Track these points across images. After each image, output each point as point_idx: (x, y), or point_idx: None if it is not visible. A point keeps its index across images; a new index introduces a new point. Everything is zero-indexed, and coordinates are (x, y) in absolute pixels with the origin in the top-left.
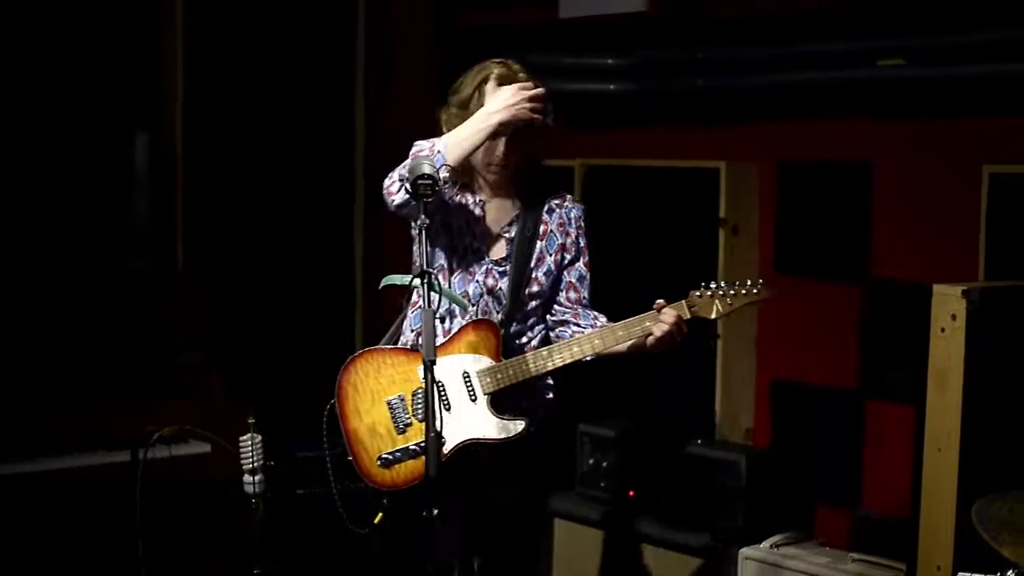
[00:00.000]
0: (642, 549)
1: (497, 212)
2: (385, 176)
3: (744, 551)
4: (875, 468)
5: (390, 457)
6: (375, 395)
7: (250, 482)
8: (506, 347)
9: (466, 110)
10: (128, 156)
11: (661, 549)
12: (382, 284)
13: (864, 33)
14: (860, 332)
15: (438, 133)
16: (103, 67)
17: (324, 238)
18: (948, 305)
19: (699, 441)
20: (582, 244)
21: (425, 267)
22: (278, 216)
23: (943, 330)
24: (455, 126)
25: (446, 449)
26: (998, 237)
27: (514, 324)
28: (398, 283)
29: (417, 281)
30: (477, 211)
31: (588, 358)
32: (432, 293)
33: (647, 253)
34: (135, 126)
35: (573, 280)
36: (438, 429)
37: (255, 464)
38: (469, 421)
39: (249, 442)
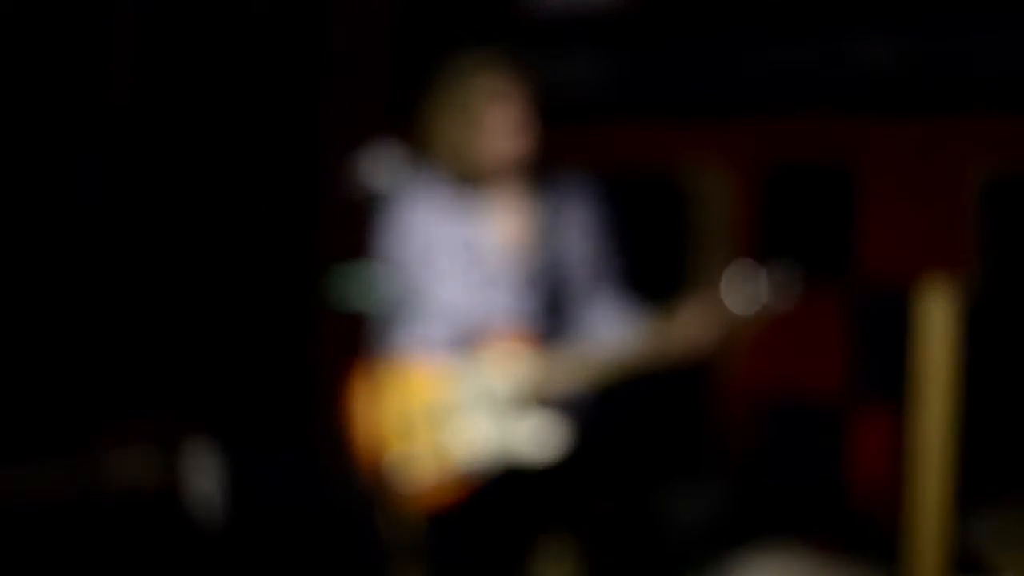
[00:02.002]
0: None
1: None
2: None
3: None
4: (861, 475)
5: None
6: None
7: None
8: None
9: (470, 121)
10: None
11: None
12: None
13: (850, 23)
14: (846, 338)
15: (421, 135)
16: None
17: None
18: (937, 306)
19: None
20: None
21: None
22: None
23: (931, 332)
24: (459, 136)
25: None
26: (988, 240)
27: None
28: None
29: None
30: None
31: None
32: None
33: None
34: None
35: None
36: None
37: (208, 476)
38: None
39: (198, 453)
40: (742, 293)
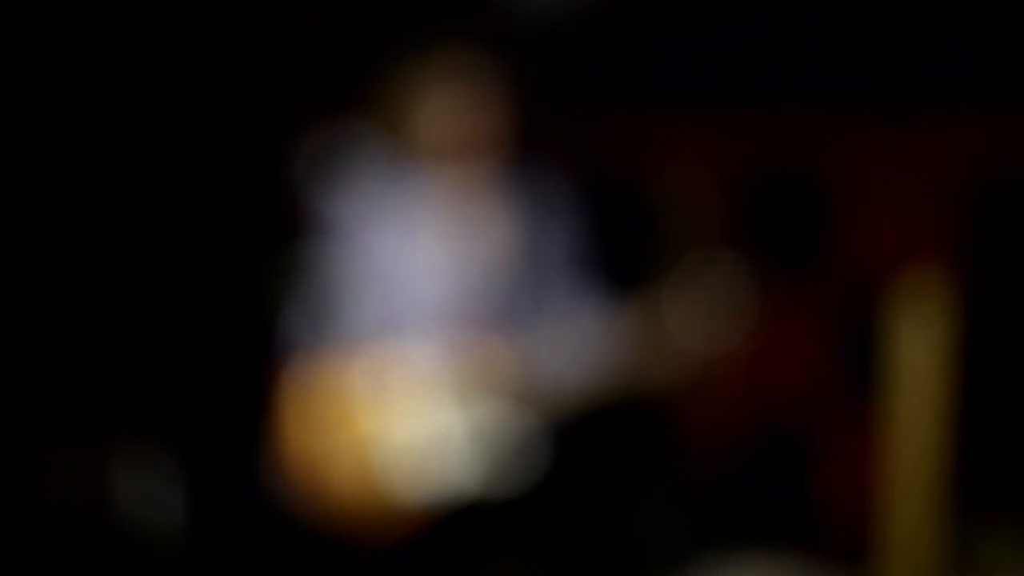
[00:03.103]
0: None
1: None
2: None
3: None
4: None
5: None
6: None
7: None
8: None
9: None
10: None
11: None
12: None
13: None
14: (819, 343)
15: (393, 128)
16: None
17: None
18: (915, 313)
19: None
20: None
21: None
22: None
23: (907, 336)
24: (440, 137)
25: None
26: (979, 247)
27: None
28: None
29: None
30: None
31: None
32: None
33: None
34: None
35: None
36: None
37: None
38: None
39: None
40: (702, 296)
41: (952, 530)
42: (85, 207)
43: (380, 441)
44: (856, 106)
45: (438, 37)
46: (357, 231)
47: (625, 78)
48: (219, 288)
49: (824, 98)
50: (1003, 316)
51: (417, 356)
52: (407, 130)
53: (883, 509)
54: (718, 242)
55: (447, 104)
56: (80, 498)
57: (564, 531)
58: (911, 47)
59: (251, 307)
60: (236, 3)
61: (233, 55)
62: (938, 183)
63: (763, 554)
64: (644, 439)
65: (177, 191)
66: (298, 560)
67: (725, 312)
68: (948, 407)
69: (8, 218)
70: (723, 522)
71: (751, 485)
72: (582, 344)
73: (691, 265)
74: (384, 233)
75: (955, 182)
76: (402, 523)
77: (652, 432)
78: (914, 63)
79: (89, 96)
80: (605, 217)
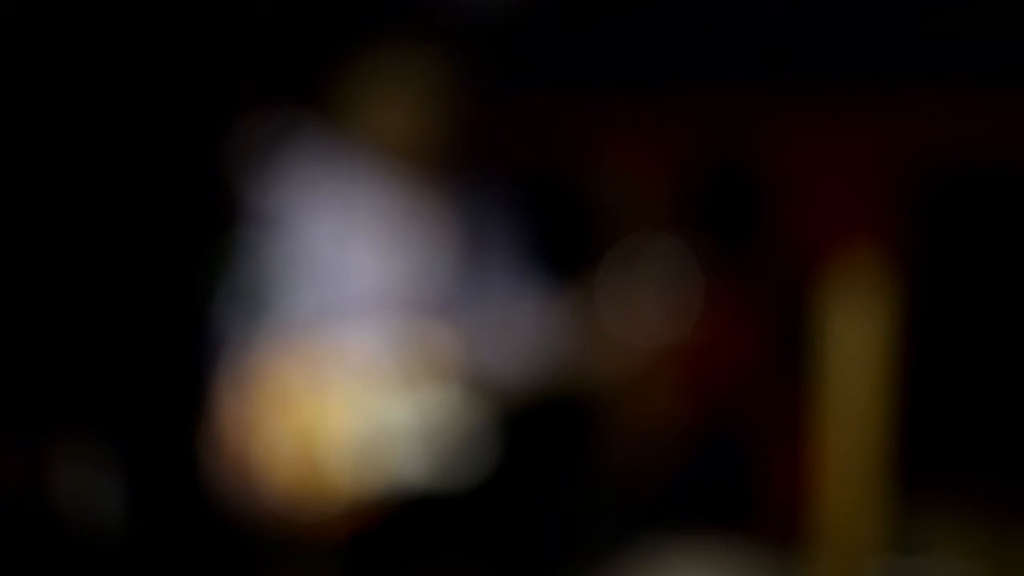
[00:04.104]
0: None
1: None
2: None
3: None
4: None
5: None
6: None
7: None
8: None
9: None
10: None
11: None
12: None
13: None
14: (759, 332)
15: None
16: None
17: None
18: (858, 288)
19: None
20: None
21: None
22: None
23: (850, 316)
24: (385, 129)
25: None
26: (929, 236)
27: None
28: None
29: None
30: None
31: None
32: None
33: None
34: None
35: None
36: None
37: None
38: None
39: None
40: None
41: (890, 513)
42: (13, 196)
43: (321, 431)
44: (794, 90)
45: (382, 30)
46: (295, 220)
47: (560, 66)
48: (156, 278)
49: (761, 83)
50: (943, 301)
51: (358, 345)
52: (352, 121)
53: (820, 494)
54: (656, 230)
55: (392, 97)
56: (16, 492)
57: (507, 521)
58: (850, 31)
59: (188, 297)
60: None
61: (170, 43)
62: (877, 169)
63: (703, 541)
64: (585, 429)
65: (111, 180)
66: (238, 552)
67: (663, 302)
68: (885, 393)
69: None
70: (664, 510)
71: (690, 473)
72: (523, 334)
73: (629, 255)
74: (324, 222)
75: (895, 168)
76: (343, 514)
77: (593, 422)
78: (853, 47)
79: (21, 83)
80: (545, 206)
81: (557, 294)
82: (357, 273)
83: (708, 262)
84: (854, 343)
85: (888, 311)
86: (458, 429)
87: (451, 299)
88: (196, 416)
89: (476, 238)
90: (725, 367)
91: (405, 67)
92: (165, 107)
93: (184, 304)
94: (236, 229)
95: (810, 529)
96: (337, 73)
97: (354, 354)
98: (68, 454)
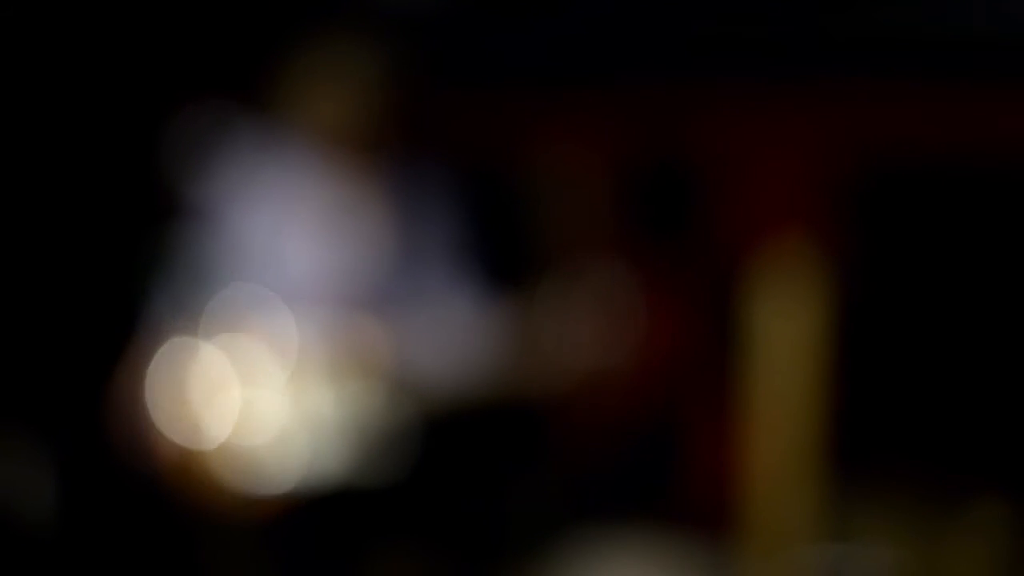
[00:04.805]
0: None
1: None
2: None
3: None
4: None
5: None
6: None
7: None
8: None
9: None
10: None
11: None
12: None
13: None
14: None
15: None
16: None
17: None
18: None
19: None
20: None
21: None
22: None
23: (783, 308)
24: (321, 121)
25: None
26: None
27: None
28: None
29: None
30: None
31: None
32: None
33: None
34: None
35: None
36: None
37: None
38: None
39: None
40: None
41: (820, 503)
42: None
43: (246, 419)
44: (729, 84)
45: (318, 23)
46: (231, 211)
47: (497, 60)
48: (88, 271)
49: (696, 76)
50: (875, 293)
51: (289, 335)
52: (287, 113)
53: (750, 484)
54: (590, 225)
55: (326, 89)
56: None
57: (426, 517)
58: (785, 25)
59: (121, 289)
60: None
61: (107, 38)
62: (811, 163)
63: (636, 533)
64: (515, 427)
65: (47, 172)
66: (167, 541)
67: (601, 313)
68: (815, 383)
69: None
70: (596, 502)
71: (623, 465)
72: (456, 331)
73: (568, 265)
74: (260, 213)
75: (829, 162)
76: (266, 503)
77: (523, 420)
78: (787, 42)
79: None
80: (483, 200)
81: (493, 290)
82: (291, 264)
83: (642, 256)
84: (785, 335)
85: (819, 302)
86: (381, 425)
87: (384, 293)
88: (128, 407)
89: (412, 231)
90: (657, 359)
91: (339, 59)
92: (102, 99)
93: (117, 295)
94: (171, 220)
95: (741, 518)
96: (272, 65)
97: (284, 344)
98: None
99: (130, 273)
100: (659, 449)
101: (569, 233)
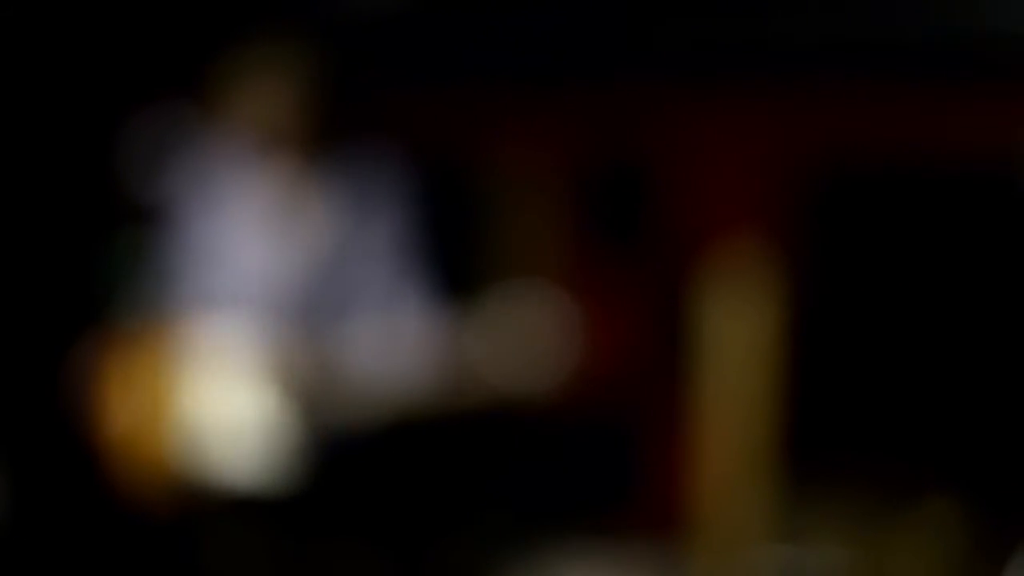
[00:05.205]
0: None
1: None
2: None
3: None
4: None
5: None
6: None
7: None
8: None
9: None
10: None
11: None
12: None
13: None
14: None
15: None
16: None
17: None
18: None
19: None
20: None
21: None
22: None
23: (737, 308)
24: (259, 124)
25: None
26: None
27: None
28: None
29: None
30: None
31: None
32: None
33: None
34: None
35: None
36: None
37: None
38: None
39: None
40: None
41: (771, 504)
42: None
43: (176, 420)
44: (685, 86)
45: (259, 25)
46: (181, 214)
47: (451, 62)
48: (39, 271)
49: (650, 77)
50: (827, 294)
51: (222, 340)
52: (229, 117)
53: (701, 486)
54: (547, 227)
55: (265, 92)
56: None
57: (345, 530)
58: (742, 29)
59: (71, 289)
60: None
61: (63, 42)
62: (766, 165)
63: (587, 536)
64: (458, 435)
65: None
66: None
67: (550, 316)
68: (767, 384)
69: None
70: (547, 506)
71: (574, 467)
72: (396, 337)
73: (520, 267)
74: (207, 217)
75: (783, 164)
76: (180, 500)
77: (467, 428)
78: (741, 43)
79: None
80: (433, 205)
81: (439, 294)
82: (229, 266)
83: (596, 257)
84: (737, 336)
85: (771, 304)
86: (304, 430)
87: (320, 296)
88: (77, 408)
89: (353, 233)
90: (610, 362)
91: (276, 59)
92: (61, 102)
93: (70, 294)
94: (121, 222)
95: (694, 520)
96: (215, 67)
97: (212, 346)
98: None
99: (82, 273)
100: (612, 451)
101: (522, 235)
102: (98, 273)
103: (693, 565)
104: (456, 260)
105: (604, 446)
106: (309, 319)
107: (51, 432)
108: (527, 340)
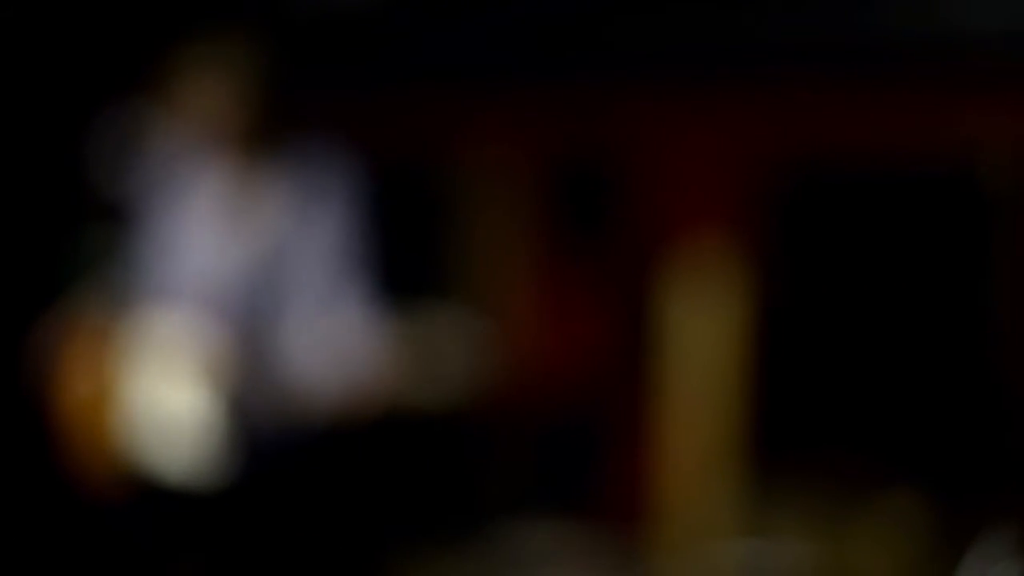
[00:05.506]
0: None
1: None
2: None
3: None
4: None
5: None
6: None
7: None
8: None
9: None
10: None
11: None
12: None
13: None
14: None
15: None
16: None
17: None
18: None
19: None
20: None
21: None
22: None
23: (702, 305)
24: (206, 122)
25: None
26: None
27: None
28: None
29: None
30: None
31: None
32: None
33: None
34: None
35: None
36: None
37: None
38: None
39: None
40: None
41: (735, 499)
42: None
43: (119, 410)
44: (653, 84)
45: (211, 23)
46: (140, 209)
47: (420, 60)
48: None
49: (618, 75)
50: (793, 291)
51: (167, 334)
52: (175, 112)
53: (665, 480)
54: (513, 223)
55: (209, 87)
56: None
57: (259, 529)
58: (710, 27)
59: (34, 279)
60: None
61: (24, 42)
62: (733, 163)
63: (552, 528)
64: (409, 433)
65: None
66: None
67: (510, 311)
68: (732, 379)
69: None
70: (513, 498)
71: (539, 461)
72: (333, 341)
73: (486, 264)
74: (163, 213)
75: (748, 161)
76: (121, 488)
77: (418, 425)
78: (709, 42)
79: None
80: (396, 205)
81: (388, 300)
82: (178, 261)
83: (563, 254)
84: (703, 332)
85: (737, 300)
86: (230, 427)
87: (258, 296)
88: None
89: (296, 234)
90: (576, 357)
91: (226, 57)
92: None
93: (30, 287)
94: (81, 215)
95: (658, 514)
96: (164, 63)
97: (157, 340)
98: None
99: (40, 263)
100: (578, 446)
101: (488, 232)
102: (62, 265)
103: (657, 559)
104: (418, 259)
105: (569, 440)
106: (248, 316)
107: (6, 415)
108: (481, 337)
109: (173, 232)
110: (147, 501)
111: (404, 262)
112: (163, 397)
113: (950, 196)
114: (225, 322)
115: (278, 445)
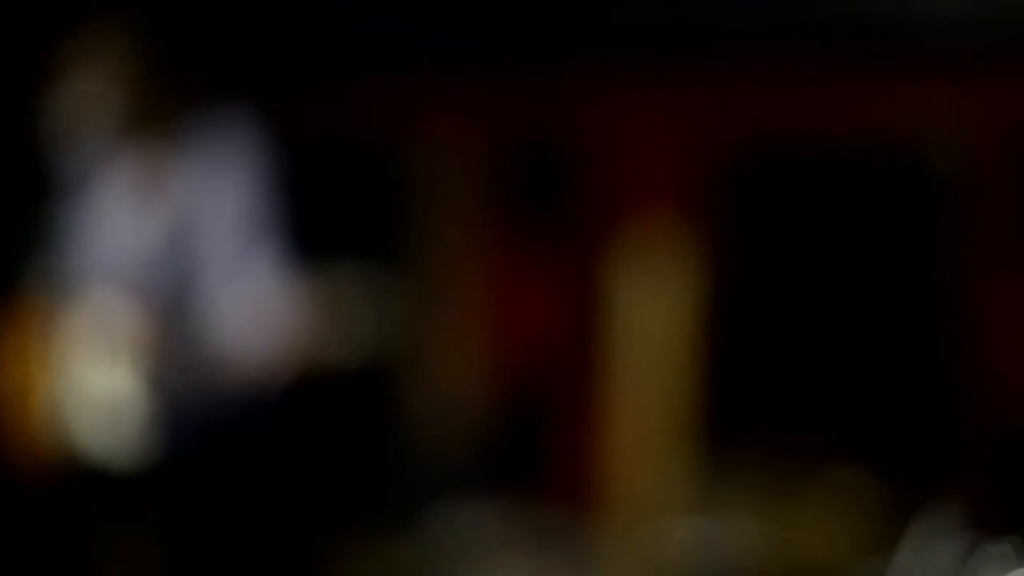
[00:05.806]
0: None
1: None
2: None
3: None
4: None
5: None
6: None
7: None
8: None
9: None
10: None
11: None
12: None
13: None
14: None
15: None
16: None
17: None
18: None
19: None
20: None
21: None
22: None
23: (653, 284)
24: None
25: None
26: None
27: None
28: None
29: None
30: None
31: None
32: None
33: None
34: None
35: None
36: None
37: None
38: None
39: None
40: None
41: (689, 476)
42: None
43: (47, 390)
44: (602, 65)
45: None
46: (72, 191)
47: (373, 43)
48: None
49: (570, 57)
50: (743, 272)
51: (91, 314)
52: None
53: (619, 458)
54: (465, 204)
55: (104, 78)
56: None
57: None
58: (659, 8)
59: None
60: None
61: None
62: (683, 143)
63: (500, 506)
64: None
65: None
66: None
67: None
68: (683, 358)
69: None
70: (461, 475)
71: (488, 438)
72: (247, 314)
73: (432, 244)
74: (90, 195)
75: (700, 142)
76: (51, 468)
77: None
78: (661, 24)
79: None
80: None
81: (308, 276)
82: (100, 242)
83: (514, 234)
84: (653, 312)
85: (687, 280)
86: (152, 403)
87: (172, 272)
88: None
89: (206, 210)
90: (527, 336)
91: (122, 40)
92: None
93: None
94: (27, 197)
95: (608, 493)
96: (61, 47)
97: (82, 320)
98: None
99: None
100: (527, 425)
101: (442, 214)
102: (9, 247)
103: (607, 539)
104: (373, 240)
105: (519, 419)
106: (165, 292)
107: None
108: (370, 308)
109: (90, 215)
110: (75, 481)
111: (325, 228)
112: (87, 378)
113: (900, 179)
114: (144, 300)
115: (203, 419)
